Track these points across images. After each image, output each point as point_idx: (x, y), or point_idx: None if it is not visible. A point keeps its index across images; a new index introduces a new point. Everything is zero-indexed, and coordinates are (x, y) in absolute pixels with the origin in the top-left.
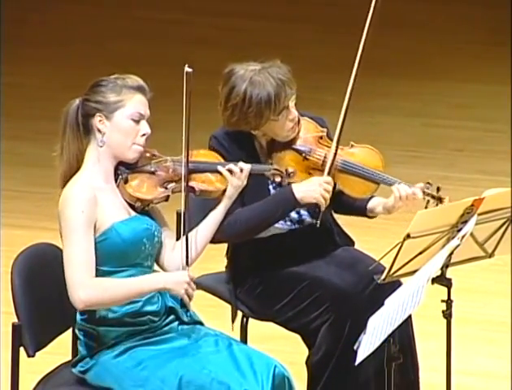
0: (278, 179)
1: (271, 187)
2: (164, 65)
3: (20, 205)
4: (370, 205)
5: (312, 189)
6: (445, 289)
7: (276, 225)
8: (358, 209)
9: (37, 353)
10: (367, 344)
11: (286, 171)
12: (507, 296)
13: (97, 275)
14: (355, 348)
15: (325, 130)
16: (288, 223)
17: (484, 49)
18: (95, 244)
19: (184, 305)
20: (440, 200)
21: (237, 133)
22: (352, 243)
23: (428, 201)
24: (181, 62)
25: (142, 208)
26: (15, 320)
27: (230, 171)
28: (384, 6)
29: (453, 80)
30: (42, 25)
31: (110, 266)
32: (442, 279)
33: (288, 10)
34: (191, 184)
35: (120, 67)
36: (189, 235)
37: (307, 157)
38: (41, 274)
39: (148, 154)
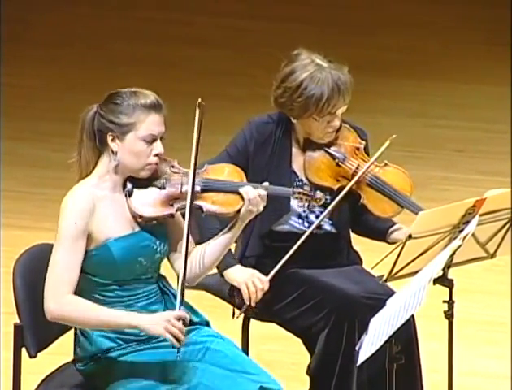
0: (305, 203)
1: (293, 201)
2: (164, 66)
3: (21, 205)
4: (393, 229)
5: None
6: (447, 290)
7: (294, 224)
8: (379, 231)
9: (39, 354)
10: (369, 345)
11: (313, 195)
12: (508, 297)
13: (89, 286)
14: (357, 348)
15: (363, 143)
16: (306, 224)
17: (485, 49)
18: (89, 255)
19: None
20: None
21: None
22: (360, 261)
23: None
24: (181, 63)
25: (145, 224)
26: (17, 321)
27: (247, 195)
28: (384, 7)
29: (453, 80)
30: (42, 26)
31: (101, 278)
32: (444, 280)
33: (289, 11)
34: (199, 203)
35: (120, 67)
36: (196, 252)
37: (339, 163)
38: (43, 274)
39: (167, 165)
